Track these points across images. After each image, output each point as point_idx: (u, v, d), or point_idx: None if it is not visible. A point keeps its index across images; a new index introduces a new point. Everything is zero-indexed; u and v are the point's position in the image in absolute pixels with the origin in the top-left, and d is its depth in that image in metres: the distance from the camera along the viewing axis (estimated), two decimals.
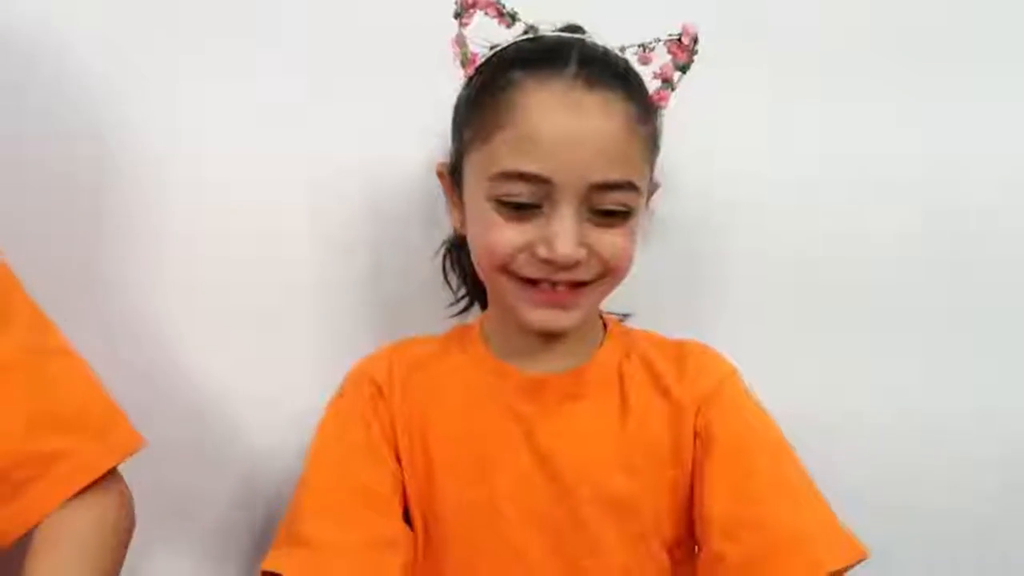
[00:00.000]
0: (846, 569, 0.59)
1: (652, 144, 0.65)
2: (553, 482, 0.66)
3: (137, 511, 0.67)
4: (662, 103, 0.66)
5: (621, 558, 0.66)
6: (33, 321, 0.65)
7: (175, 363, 0.82)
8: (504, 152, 0.61)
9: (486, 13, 0.66)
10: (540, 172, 0.59)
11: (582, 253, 0.61)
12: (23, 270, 0.66)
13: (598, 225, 0.62)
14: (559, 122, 0.59)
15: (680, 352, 0.71)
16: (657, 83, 0.66)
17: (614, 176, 0.60)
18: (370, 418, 0.70)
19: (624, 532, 0.66)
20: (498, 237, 0.62)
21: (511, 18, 0.66)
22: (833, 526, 0.61)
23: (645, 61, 0.66)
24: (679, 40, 0.65)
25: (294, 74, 0.82)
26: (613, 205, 0.61)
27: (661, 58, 0.66)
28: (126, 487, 0.67)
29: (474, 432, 0.69)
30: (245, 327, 0.83)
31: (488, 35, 0.66)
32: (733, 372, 0.70)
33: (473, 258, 0.68)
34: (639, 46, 0.65)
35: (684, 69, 0.66)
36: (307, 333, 0.85)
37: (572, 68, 0.61)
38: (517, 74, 0.62)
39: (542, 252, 0.61)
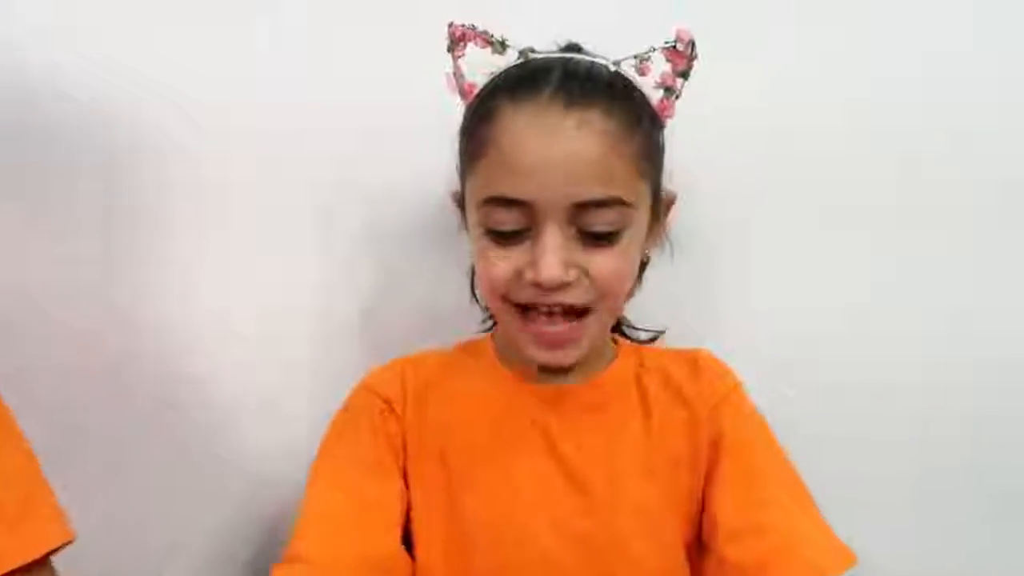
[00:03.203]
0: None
1: (646, 156, 0.62)
2: (581, 494, 0.66)
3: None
4: (666, 113, 0.65)
5: (653, 566, 0.66)
6: None
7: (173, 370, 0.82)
8: (487, 179, 0.61)
9: (476, 44, 0.65)
10: (519, 196, 0.59)
11: (571, 275, 0.60)
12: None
13: (589, 246, 0.61)
14: (533, 145, 0.59)
15: (693, 359, 0.72)
16: (660, 93, 0.64)
17: (597, 194, 0.59)
18: (378, 434, 0.69)
19: (654, 540, 0.67)
20: (491, 268, 0.62)
21: (501, 46, 0.65)
22: (829, 534, 0.63)
23: (643, 72, 0.64)
24: (674, 47, 0.63)
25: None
26: (604, 225, 0.60)
27: (660, 67, 0.64)
28: None
29: (497, 447, 0.68)
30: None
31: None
32: (740, 383, 0.71)
33: (477, 287, 0.68)
34: (634, 57, 0.63)
35: (685, 75, 0.63)
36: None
37: (549, 89, 0.60)
38: (499, 100, 0.62)
39: (529, 275, 0.60)
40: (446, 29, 0.65)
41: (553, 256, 0.59)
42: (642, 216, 0.63)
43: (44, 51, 0.77)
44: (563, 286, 0.60)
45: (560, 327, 0.63)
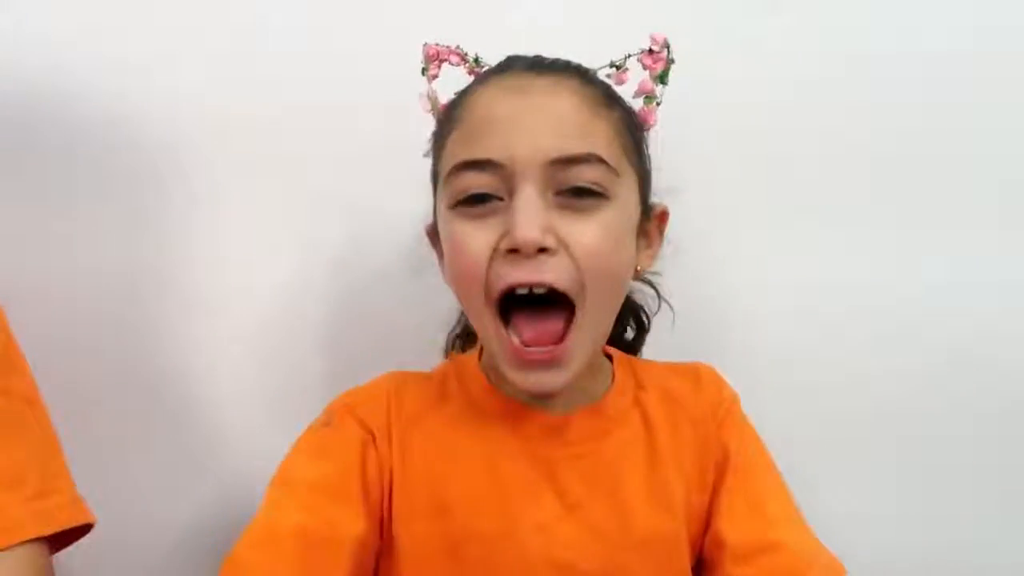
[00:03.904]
0: None
1: (626, 132, 0.59)
2: (587, 531, 0.61)
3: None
4: (648, 120, 0.63)
5: None
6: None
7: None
8: (455, 150, 0.58)
9: (451, 62, 0.65)
10: (491, 156, 0.55)
11: (549, 240, 0.54)
12: None
13: (569, 211, 0.55)
14: (506, 105, 0.56)
15: (695, 373, 0.68)
16: (640, 102, 0.63)
17: (574, 148, 0.55)
18: (353, 462, 0.62)
19: (664, 571, 0.62)
20: (463, 247, 0.57)
21: (476, 63, 0.65)
22: (824, 549, 0.62)
23: (621, 81, 0.63)
24: (650, 51, 0.62)
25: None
26: (583, 183, 0.55)
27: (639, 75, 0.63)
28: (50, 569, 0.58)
29: (495, 484, 0.62)
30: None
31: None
32: (738, 397, 0.68)
33: (457, 296, 0.62)
34: (610, 65, 0.63)
35: (663, 79, 0.63)
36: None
37: (521, 64, 0.60)
38: (470, 88, 0.61)
39: (505, 243, 0.55)
40: (421, 50, 0.65)
41: (528, 216, 0.54)
42: (627, 196, 0.59)
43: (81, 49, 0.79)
44: (543, 253, 0.55)
45: (544, 348, 0.57)
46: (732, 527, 0.61)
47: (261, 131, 0.81)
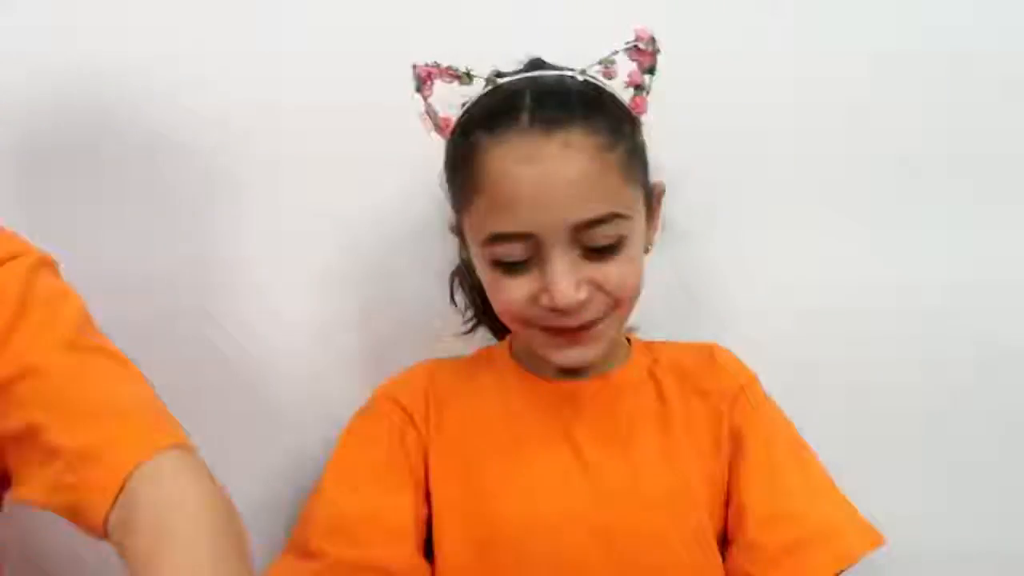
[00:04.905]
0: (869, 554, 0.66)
1: (633, 161, 0.65)
2: (602, 488, 0.68)
3: None
4: (639, 110, 0.67)
5: (684, 557, 0.67)
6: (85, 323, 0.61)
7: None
8: (484, 218, 0.63)
9: (443, 80, 0.65)
10: (519, 229, 0.61)
11: (583, 293, 0.62)
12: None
13: (596, 259, 0.63)
14: (523, 178, 0.60)
15: (709, 353, 0.75)
16: (631, 92, 0.66)
17: (593, 213, 0.61)
18: (396, 444, 0.71)
19: (678, 530, 0.67)
20: (506, 297, 0.65)
21: (468, 77, 0.65)
22: (856, 516, 0.68)
23: (610, 75, 0.65)
24: (636, 46, 0.65)
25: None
26: (605, 239, 0.62)
27: (627, 67, 0.66)
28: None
29: (518, 444, 0.70)
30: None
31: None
32: (755, 376, 0.74)
33: (499, 313, 0.69)
34: (599, 63, 0.65)
35: (652, 71, 0.66)
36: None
37: (526, 115, 0.61)
38: (478, 135, 0.63)
39: (544, 300, 0.63)
40: (411, 71, 0.65)
41: (564, 280, 0.61)
42: (639, 219, 0.66)
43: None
44: (580, 305, 0.63)
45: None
46: (752, 496, 0.67)
47: (302, 131, 0.82)
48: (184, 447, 0.55)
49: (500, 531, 0.68)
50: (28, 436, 0.54)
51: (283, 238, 0.84)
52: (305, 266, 0.85)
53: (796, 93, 0.87)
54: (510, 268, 0.64)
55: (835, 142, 0.87)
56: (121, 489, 0.51)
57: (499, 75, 0.65)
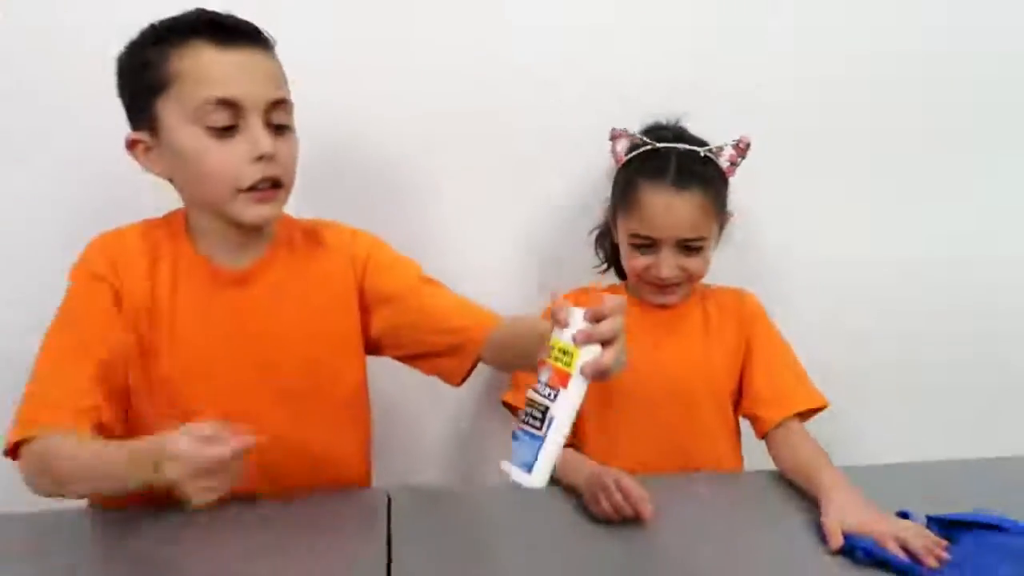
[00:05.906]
0: (812, 412, 1.16)
1: (720, 209, 1.18)
2: (668, 364, 1.20)
3: None
4: (730, 175, 1.18)
5: (711, 415, 1.22)
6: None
7: None
8: (633, 224, 1.16)
9: (625, 140, 1.17)
10: (652, 234, 1.15)
11: (677, 273, 1.16)
12: None
13: (685, 256, 1.16)
14: (661, 213, 1.14)
15: (740, 294, 1.27)
16: (726, 163, 1.18)
17: (692, 235, 1.14)
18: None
19: (713, 400, 1.22)
20: (637, 263, 1.18)
21: (643, 142, 1.17)
22: (806, 383, 1.19)
23: (718, 155, 1.17)
24: (738, 144, 1.16)
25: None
26: (694, 246, 1.15)
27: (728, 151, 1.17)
28: None
29: None
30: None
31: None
32: (762, 307, 1.26)
33: (626, 268, 1.23)
34: (716, 147, 1.16)
35: (743, 158, 1.17)
36: None
37: (671, 176, 1.13)
38: (640, 180, 1.15)
39: (653, 273, 1.17)
40: (608, 133, 1.19)
41: (669, 265, 1.16)
42: (714, 236, 1.19)
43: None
44: (674, 283, 1.17)
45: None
46: (755, 374, 1.20)
47: (487, 135, 1.33)
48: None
49: (615, 402, 1.20)
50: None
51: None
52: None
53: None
54: (639, 248, 1.17)
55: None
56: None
57: (658, 139, 1.17)
